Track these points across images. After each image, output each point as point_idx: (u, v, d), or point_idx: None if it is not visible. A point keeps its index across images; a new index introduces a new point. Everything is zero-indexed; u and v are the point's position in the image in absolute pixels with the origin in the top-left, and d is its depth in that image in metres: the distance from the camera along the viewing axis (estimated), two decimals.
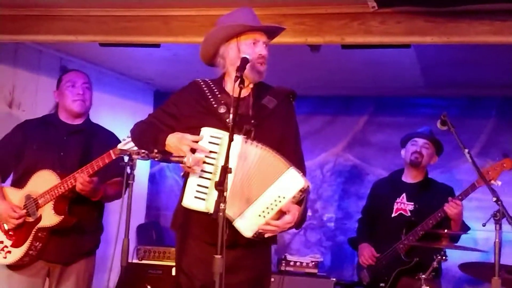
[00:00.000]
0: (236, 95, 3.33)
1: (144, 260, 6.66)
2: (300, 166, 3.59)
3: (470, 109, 7.40)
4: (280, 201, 3.41)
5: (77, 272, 4.80)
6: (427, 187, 5.79)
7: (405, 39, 4.80)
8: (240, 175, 3.41)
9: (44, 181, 4.60)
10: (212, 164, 3.43)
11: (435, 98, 7.56)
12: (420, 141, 5.75)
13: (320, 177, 7.82)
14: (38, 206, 4.60)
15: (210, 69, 3.84)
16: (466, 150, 4.04)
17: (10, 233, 4.67)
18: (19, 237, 4.63)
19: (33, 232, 4.59)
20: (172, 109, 3.74)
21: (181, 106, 3.71)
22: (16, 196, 4.72)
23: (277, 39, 3.95)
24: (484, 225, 4.05)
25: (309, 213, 6.44)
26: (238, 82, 3.34)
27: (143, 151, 3.36)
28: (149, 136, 3.65)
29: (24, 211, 4.63)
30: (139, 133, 3.81)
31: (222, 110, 3.58)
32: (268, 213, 3.41)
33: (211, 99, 3.66)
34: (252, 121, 3.56)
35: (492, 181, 4.99)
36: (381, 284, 5.54)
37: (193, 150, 3.42)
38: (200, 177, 3.44)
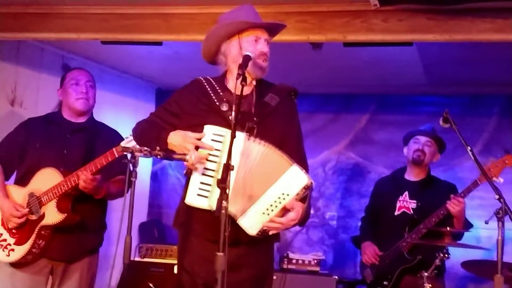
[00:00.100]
0: (238, 92, 3.33)
1: (146, 258, 6.67)
2: (302, 163, 3.59)
3: (473, 107, 7.39)
4: (284, 199, 3.41)
5: (80, 270, 4.80)
6: (430, 185, 5.77)
7: (407, 37, 4.80)
8: (243, 172, 3.41)
9: (47, 179, 4.60)
10: (214, 162, 3.43)
11: (437, 96, 7.56)
12: (422, 139, 5.74)
13: (322, 175, 7.82)
14: (41, 204, 4.60)
15: (212, 67, 3.84)
16: (469, 148, 4.03)
17: (13, 231, 4.67)
18: (22, 235, 4.63)
19: (36, 230, 4.59)
20: (174, 107, 3.74)
21: (183, 104, 3.71)
22: (19, 194, 4.72)
23: (279, 37, 3.95)
24: (486, 222, 4.05)
25: (311, 211, 6.49)
26: (240, 79, 3.34)
27: (145, 148, 3.35)
28: (151, 135, 3.65)
29: (27, 210, 4.62)
30: (141, 132, 3.81)
31: (224, 107, 3.58)
32: (272, 210, 3.41)
33: (213, 97, 3.65)
34: (255, 119, 3.56)
35: (494, 178, 4.98)
36: (385, 283, 5.53)
37: (196, 148, 3.42)
38: (203, 174, 3.44)
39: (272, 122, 3.63)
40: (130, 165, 3.33)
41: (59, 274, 4.75)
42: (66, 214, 4.55)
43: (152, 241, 7.28)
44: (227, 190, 3.03)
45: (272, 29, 3.77)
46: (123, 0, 5.13)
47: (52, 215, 4.56)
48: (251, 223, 3.42)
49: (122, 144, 4.36)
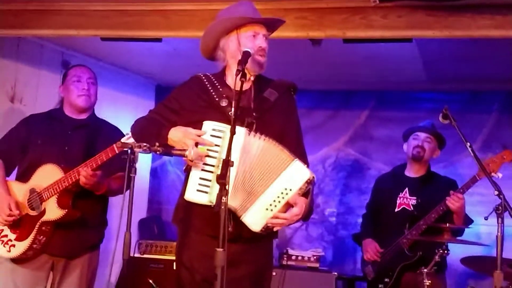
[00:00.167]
0: (237, 88, 3.33)
1: (145, 254, 6.69)
2: (302, 158, 3.59)
3: (472, 103, 7.39)
4: (287, 194, 3.42)
5: (81, 266, 4.81)
6: (430, 181, 5.77)
7: (407, 33, 4.81)
8: (243, 167, 3.42)
9: (48, 175, 4.61)
10: (214, 158, 3.43)
11: (437, 93, 7.56)
12: (422, 135, 5.74)
13: (322, 171, 7.82)
14: (42, 200, 4.61)
15: (211, 63, 3.84)
16: (468, 144, 4.04)
17: (14, 226, 4.68)
18: (23, 231, 4.65)
19: (37, 226, 4.60)
20: (174, 104, 3.74)
21: (182, 100, 3.71)
22: (20, 190, 4.74)
23: (279, 34, 3.95)
24: (486, 218, 4.05)
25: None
26: (239, 75, 3.34)
27: (144, 144, 3.35)
28: (151, 132, 3.64)
29: (18, 212, 4.63)
30: (140, 129, 3.81)
31: (224, 103, 3.58)
32: (276, 206, 3.41)
33: (213, 93, 3.66)
34: (254, 114, 3.56)
35: (493, 174, 4.98)
36: (386, 279, 5.53)
37: (196, 144, 3.42)
38: (203, 170, 3.44)
39: (271, 117, 3.63)
40: (129, 161, 3.34)
41: (59, 270, 4.76)
42: (66, 210, 4.56)
43: (152, 237, 7.29)
44: (227, 186, 3.03)
45: (271, 24, 3.77)
46: None
47: (52, 211, 4.57)
48: (255, 219, 3.42)
49: (123, 140, 4.37)
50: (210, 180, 3.41)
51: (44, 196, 4.60)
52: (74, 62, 6.39)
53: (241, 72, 3.35)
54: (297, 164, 3.43)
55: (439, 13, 4.61)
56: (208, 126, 3.47)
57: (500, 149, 5.32)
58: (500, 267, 3.80)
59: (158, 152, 3.38)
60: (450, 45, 5.58)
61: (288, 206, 3.44)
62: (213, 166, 3.42)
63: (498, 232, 3.82)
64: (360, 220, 6.30)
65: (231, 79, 3.58)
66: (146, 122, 3.79)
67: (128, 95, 7.81)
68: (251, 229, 3.42)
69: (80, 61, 6.21)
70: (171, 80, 7.46)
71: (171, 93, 3.84)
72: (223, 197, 2.99)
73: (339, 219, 7.74)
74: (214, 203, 3.12)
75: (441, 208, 5.27)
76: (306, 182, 3.42)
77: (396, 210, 5.73)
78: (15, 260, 4.69)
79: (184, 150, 3.37)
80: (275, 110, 3.67)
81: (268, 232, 3.50)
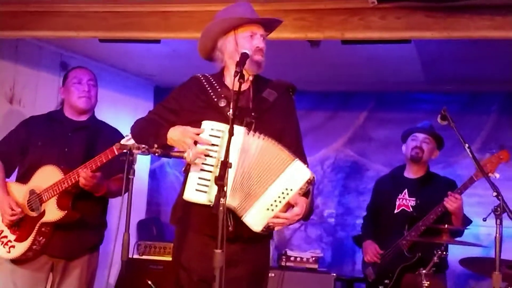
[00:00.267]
0: (236, 88, 3.33)
1: (144, 256, 6.69)
2: (301, 158, 3.59)
3: (471, 104, 7.40)
4: (287, 193, 3.42)
5: (80, 268, 4.83)
6: (429, 182, 5.77)
7: (405, 34, 4.81)
8: (243, 167, 3.42)
9: (48, 176, 4.62)
10: (213, 157, 3.43)
11: (436, 94, 7.56)
12: (420, 136, 5.73)
13: (321, 172, 7.82)
14: (42, 201, 4.62)
15: (210, 64, 3.84)
16: (467, 145, 4.04)
17: (14, 227, 4.69)
18: (22, 232, 4.66)
19: (36, 227, 4.61)
20: (173, 104, 3.75)
21: (181, 101, 3.72)
22: (20, 191, 4.75)
23: (277, 35, 3.96)
24: (484, 219, 4.06)
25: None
26: (238, 77, 3.34)
27: (143, 146, 3.36)
28: (150, 132, 3.65)
29: (19, 209, 4.65)
30: (139, 130, 3.81)
31: (222, 103, 3.58)
32: (276, 206, 3.41)
33: (211, 93, 3.66)
34: (252, 114, 3.56)
35: (490, 174, 4.98)
36: (386, 281, 5.52)
37: (195, 143, 3.42)
38: (202, 170, 3.44)
39: (270, 117, 3.63)
40: (128, 162, 3.34)
41: (59, 271, 4.77)
42: (66, 212, 4.57)
43: (151, 238, 7.29)
44: (225, 187, 3.04)
45: (268, 24, 3.77)
46: None
47: (52, 212, 4.58)
48: (256, 219, 3.42)
49: (122, 142, 4.36)
50: (209, 180, 3.41)
51: (43, 197, 4.61)
52: (73, 63, 6.40)
53: (239, 74, 3.35)
54: (298, 164, 3.43)
55: (438, 14, 4.61)
56: (207, 126, 3.47)
57: (498, 150, 5.32)
58: (498, 268, 3.80)
59: (156, 154, 3.39)
60: (448, 46, 5.58)
61: (289, 206, 3.44)
62: (212, 166, 3.42)
63: (496, 233, 3.82)
64: (358, 221, 6.31)
65: (230, 80, 3.58)
66: (145, 123, 3.79)
67: (127, 96, 7.82)
68: (253, 229, 3.42)
69: (79, 63, 6.22)
70: (170, 81, 7.43)
71: (170, 94, 3.84)
72: (221, 199, 3.00)
73: (338, 220, 7.75)
74: (213, 203, 3.12)
75: (439, 209, 5.27)
76: (307, 182, 3.43)
77: (395, 211, 5.73)
78: (15, 261, 4.70)
79: (183, 152, 3.37)
80: (274, 110, 3.67)
81: (269, 232, 3.52)
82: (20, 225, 4.67)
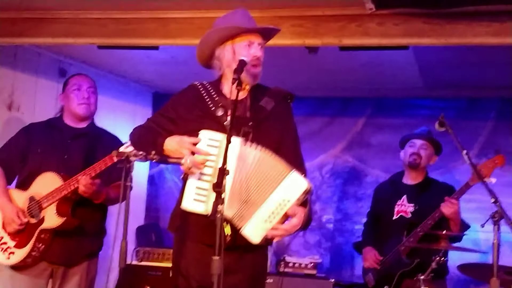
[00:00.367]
0: (233, 97, 3.32)
1: (143, 262, 6.69)
2: (300, 167, 3.59)
3: (469, 110, 7.40)
4: (285, 205, 3.40)
5: (79, 274, 4.84)
6: (427, 188, 5.77)
7: (403, 41, 4.81)
8: (240, 177, 3.41)
9: (47, 183, 4.63)
10: (211, 167, 3.42)
11: (434, 100, 7.57)
12: (418, 142, 5.74)
13: (319, 178, 7.82)
14: (42, 208, 4.63)
15: (208, 71, 3.83)
16: (464, 151, 4.05)
17: (13, 234, 4.69)
18: (22, 238, 4.67)
19: (36, 234, 4.62)
20: (171, 113, 3.74)
21: (179, 110, 3.71)
22: (20, 198, 4.76)
23: (275, 41, 3.95)
24: (482, 226, 4.07)
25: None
26: (236, 84, 3.34)
27: (140, 152, 3.37)
28: (148, 140, 3.65)
29: (27, 219, 4.66)
30: (138, 138, 3.82)
31: (219, 113, 3.57)
32: (274, 217, 3.40)
33: (209, 102, 3.65)
34: (250, 123, 3.56)
35: (486, 179, 4.97)
36: (385, 287, 5.52)
37: (192, 153, 3.42)
38: (199, 179, 3.43)
39: (267, 127, 3.62)
40: (125, 169, 3.35)
41: (58, 278, 4.78)
42: (65, 218, 4.58)
43: (150, 244, 7.28)
44: (223, 194, 3.04)
45: (266, 33, 3.76)
46: (120, 5, 5.14)
47: (51, 219, 4.59)
48: (254, 231, 3.41)
49: (121, 149, 4.36)
50: (206, 190, 3.40)
51: (43, 204, 4.62)
52: (72, 70, 6.41)
53: (237, 81, 3.35)
54: (294, 175, 3.41)
55: (435, 20, 4.61)
56: (204, 135, 3.46)
57: (493, 155, 5.32)
58: (496, 274, 3.80)
59: (154, 160, 3.40)
60: (446, 52, 5.58)
61: (286, 216, 3.43)
62: (210, 175, 3.42)
63: (494, 239, 3.83)
64: (357, 226, 6.33)
65: (227, 88, 3.60)
66: (143, 131, 3.79)
67: (125, 102, 7.82)
68: (251, 242, 3.41)
69: (77, 69, 6.23)
70: (168, 87, 7.48)
71: (168, 101, 3.84)
72: (219, 206, 3.00)
73: (336, 226, 7.74)
74: (210, 213, 3.12)
75: (437, 214, 5.27)
76: (304, 192, 3.42)
77: (394, 217, 5.73)
78: (15, 267, 4.72)
79: (181, 158, 3.37)
80: (271, 119, 3.66)
81: (268, 243, 3.53)
82: (20, 232, 4.67)
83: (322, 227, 7.75)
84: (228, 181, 3.17)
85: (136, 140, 3.82)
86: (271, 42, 3.86)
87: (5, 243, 4.72)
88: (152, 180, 8.51)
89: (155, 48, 5.45)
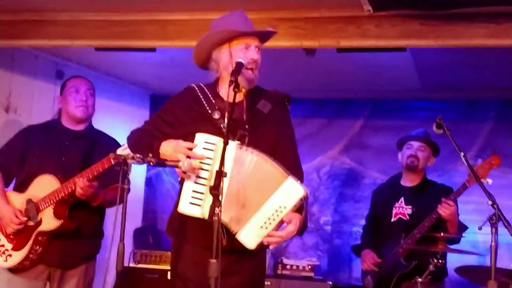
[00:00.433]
0: (231, 99, 3.31)
1: (140, 264, 6.67)
2: (297, 170, 3.59)
3: (467, 112, 7.40)
4: (281, 211, 3.38)
5: (77, 277, 4.83)
6: (425, 190, 5.75)
7: (401, 43, 4.81)
8: (236, 181, 3.39)
9: (45, 185, 4.63)
10: (207, 170, 3.41)
11: (431, 101, 7.57)
12: (415, 144, 5.73)
13: (317, 180, 7.81)
14: (39, 210, 4.63)
15: (206, 72, 3.82)
16: (462, 154, 4.04)
17: (11, 236, 4.70)
18: (19, 241, 4.66)
19: (33, 236, 4.62)
20: (168, 116, 3.73)
21: (176, 113, 3.70)
22: (17, 200, 4.76)
23: (273, 43, 3.94)
24: (480, 228, 4.05)
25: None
26: (232, 86, 3.33)
27: (138, 155, 3.35)
28: (144, 144, 3.63)
29: (25, 218, 4.66)
30: (134, 141, 3.81)
31: (216, 115, 3.56)
32: (270, 223, 3.38)
33: (205, 105, 3.64)
34: (246, 126, 3.54)
35: (482, 180, 4.96)
36: None
37: (188, 157, 3.41)
38: (196, 183, 3.42)
39: (264, 129, 3.61)
40: (122, 172, 3.34)
41: (56, 280, 4.78)
42: (62, 221, 4.58)
43: (147, 246, 7.29)
44: (220, 197, 3.03)
45: (263, 35, 3.75)
46: (118, 7, 5.14)
47: (49, 221, 4.58)
48: (250, 237, 3.39)
49: (118, 151, 4.37)
50: (203, 193, 3.39)
51: (40, 206, 4.62)
52: (69, 72, 6.40)
53: (234, 83, 3.33)
54: (291, 181, 3.39)
55: (433, 22, 4.61)
56: (200, 139, 3.45)
57: (488, 154, 5.32)
58: (494, 276, 3.79)
59: (151, 163, 3.38)
60: (444, 54, 5.58)
61: (281, 222, 3.42)
62: (206, 178, 3.40)
63: (492, 241, 3.82)
64: (355, 228, 6.32)
65: (224, 90, 3.56)
66: (140, 134, 3.79)
67: (123, 104, 7.82)
68: (247, 247, 3.40)
69: (74, 71, 6.22)
70: (166, 89, 7.47)
71: (165, 104, 3.83)
72: (216, 208, 2.99)
73: (334, 227, 7.74)
74: (206, 217, 3.11)
75: (434, 216, 5.26)
76: (300, 199, 3.40)
77: (392, 220, 5.72)
78: (12, 270, 4.72)
79: (177, 161, 3.36)
80: (268, 122, 3.64)
81: (264, 248, 3.52)
82: (17, 234, 4.67)
83: (320, 229, 7.75)
84: (224, 184, 3.16)
85: (133, 143, 3.81)
86: (269, 43, 3.84)
87: (2, 245, 4.72)
88: (149, 182, 8.51)
89: (153, 50, 5.45)
